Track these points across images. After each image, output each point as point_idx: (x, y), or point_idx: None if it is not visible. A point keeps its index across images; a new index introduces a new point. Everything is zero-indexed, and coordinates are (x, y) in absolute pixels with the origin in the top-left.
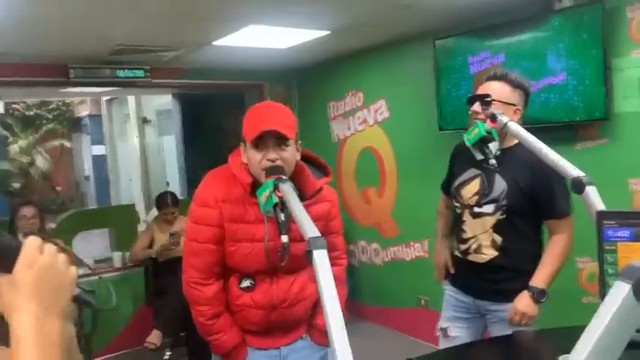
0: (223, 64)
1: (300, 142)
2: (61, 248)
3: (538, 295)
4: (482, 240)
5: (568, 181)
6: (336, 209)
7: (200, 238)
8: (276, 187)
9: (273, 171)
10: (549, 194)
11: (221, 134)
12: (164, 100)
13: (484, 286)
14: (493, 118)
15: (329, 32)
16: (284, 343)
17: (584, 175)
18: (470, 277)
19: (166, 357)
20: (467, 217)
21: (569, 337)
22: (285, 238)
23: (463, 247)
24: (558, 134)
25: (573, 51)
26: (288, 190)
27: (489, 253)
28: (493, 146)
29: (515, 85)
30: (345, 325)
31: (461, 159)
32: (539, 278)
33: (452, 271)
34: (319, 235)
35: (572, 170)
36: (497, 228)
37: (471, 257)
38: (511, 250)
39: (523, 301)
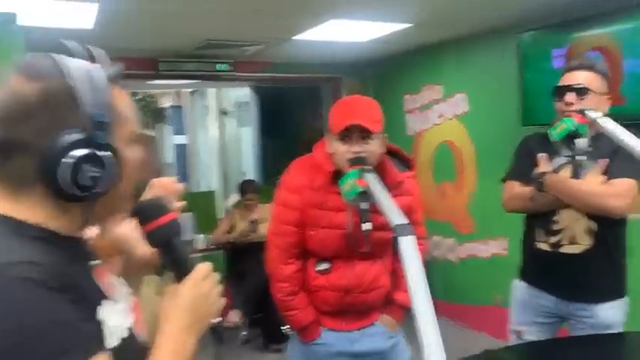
0: (302, 59)
1: (386, 135)
2: None
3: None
4: (577, 228)
5: None
6: (417, 203)
7: (283, 219)
8: (360, 177)
9: (357, 161)
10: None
11: (296, 126)
12: (243, 93)
13: (573, 283)
14: (581, 113)
15: (411, 25)
16: (356, 327)
17: None
18: (557, 273)
19: (242, 336)
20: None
21: None
22: (365, 226)
23: (554, 239)
24: None
25: None
26: (372, 179)
27: (585, 243)
28: (582, 142)
29: (604, 74)
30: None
31: (542, 149)
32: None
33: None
34: (406, 222)
35: None
36: (590, 214)
37: (564, 249)
38: (607, 237)
39: None
